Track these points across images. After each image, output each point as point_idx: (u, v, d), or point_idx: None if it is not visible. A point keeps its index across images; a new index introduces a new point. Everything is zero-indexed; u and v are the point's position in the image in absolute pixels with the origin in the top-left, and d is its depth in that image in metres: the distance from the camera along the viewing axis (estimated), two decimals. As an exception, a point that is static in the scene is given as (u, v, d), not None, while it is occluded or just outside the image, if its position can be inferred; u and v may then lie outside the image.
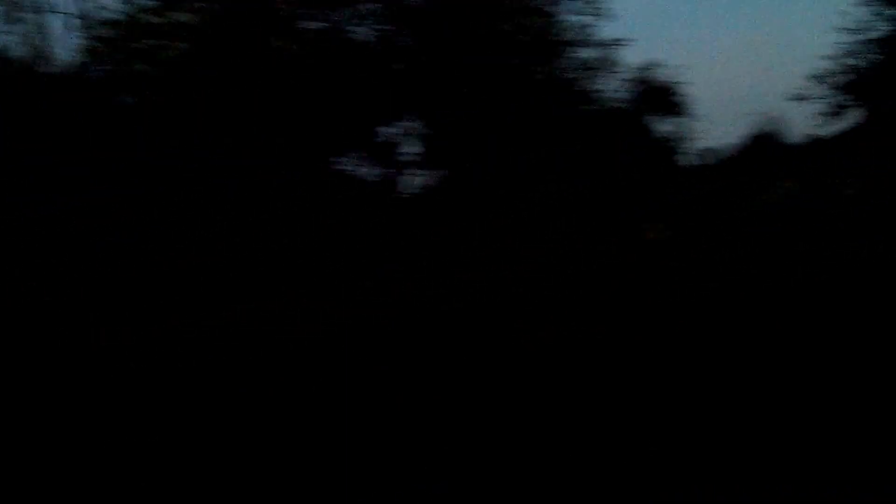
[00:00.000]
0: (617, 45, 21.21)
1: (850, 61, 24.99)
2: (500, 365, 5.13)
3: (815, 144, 27.66)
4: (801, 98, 25.63)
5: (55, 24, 15.33)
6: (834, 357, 4.55)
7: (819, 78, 25.39)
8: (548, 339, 5.70)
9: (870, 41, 24.75)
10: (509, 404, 4.14)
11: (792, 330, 5.51)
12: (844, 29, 24.63)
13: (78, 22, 14.67)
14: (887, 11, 24.13)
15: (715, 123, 50.25)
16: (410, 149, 18.68)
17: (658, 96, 25.23)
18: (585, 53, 20.89)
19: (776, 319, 5.96)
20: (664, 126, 26.39)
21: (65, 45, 15.77)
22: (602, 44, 20.91)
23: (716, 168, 28.80)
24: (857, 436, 3.13)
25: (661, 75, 25.37)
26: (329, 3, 16.70)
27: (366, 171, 18.00)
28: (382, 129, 17.90)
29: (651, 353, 5.05)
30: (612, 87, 22.92)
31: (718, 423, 3.50)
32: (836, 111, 25.67)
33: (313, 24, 16.74)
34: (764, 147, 29.87)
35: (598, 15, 20.29)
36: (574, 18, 20.12)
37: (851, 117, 26.16)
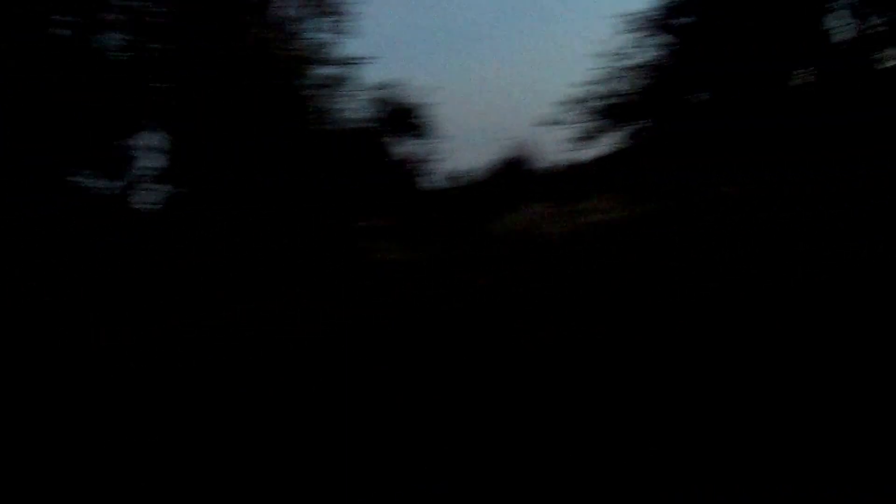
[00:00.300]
0: (358, 62, 21.12)
1: (607, 87, 25.65)
2: (500, 365, 5.13)
3: (569, 169, 28.06)
4: (553, 123, 26.11)
5: None
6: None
7: (573, 103, 25.97)
8: (549, 339, 5.70)
9: (629, 67, 25.47)
10: (509, 404, 4.14)
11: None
12: (603, 55, 25.35)
13: None
14: (648, 39, 24.95)
15: (467, 147, 50.78)
16: (151, 162, 18.48)
17: (401, 116, 24.96)
18: (326, 70, 20.77)
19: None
20: (408, 147, 26.13)
21: None
22: (344, 61, 20.84)
23: (463, 191, 28.75)
24: (856, 436, 3.13)
25: (406, 96, 25.03)
26: (73, 10, 16.40)
27: (103, 184, 17.74)
28: (122, 142, 17.66)
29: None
30: (353, 105, 22.47)
31: (718, 423, 3.50)
32: (590, 136, 26.26)
33: (54, 31, 16.37)
34: (514, 171, 29.81)
35: (341, 32, 20.33)
36: (317, 35, 20.10)
37: (607, 142, 26.77)
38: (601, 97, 25.62)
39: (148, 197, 17.99)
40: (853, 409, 3.44)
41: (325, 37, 20.20)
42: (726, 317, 6.10)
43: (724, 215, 16.80)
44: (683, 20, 24.62)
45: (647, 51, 25.15)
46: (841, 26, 23.50)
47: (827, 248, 9.66)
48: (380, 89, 23.49)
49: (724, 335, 5.41)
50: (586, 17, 59.93)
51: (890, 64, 22.84)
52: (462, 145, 47.06)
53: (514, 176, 28.78)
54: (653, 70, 25.07)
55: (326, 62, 20.55)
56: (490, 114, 53.59)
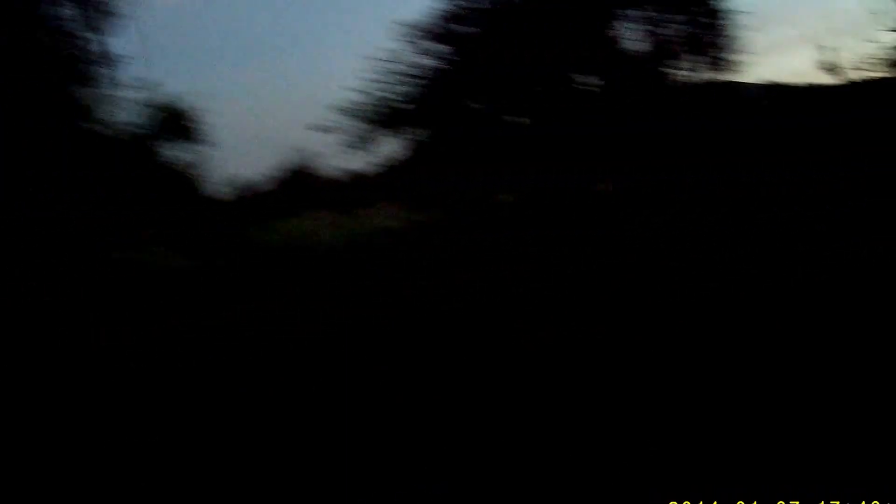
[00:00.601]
0: (129, 64, 20.62)
1: (385, 94, 25.19)
2: (501, 365, 5.13)
3: (348, 177, 27.69)
4: (325, 129, 25.54)
5: None
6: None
7: (350, 111, 25.44)
8: (549, 339, 5.69)
9: (406, 75, 25.04)
10: (509, 404, 4.14)
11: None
12: (381, 62, 24.81)
13: None
14: (424, 45, 24.68)
15: (245, 154, 49.66)
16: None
17: (172, 122, 23.93)
18: (97, 71, 20.16)
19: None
20: (180, 152, 24.67)
21: None
22: (115, 63, 20.31)
23: (240, 198, 27.98)
24: (856, 436, 3.13)
25: (178, 101, 23.74)
26: None
27: None
28: None
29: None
30: (123, 109, 21.87)
31: (718, 423, 3.50)
32: (367, 143, 25.93)
33: None
34: (293, 179, 29.10)
35: (112, 34, 19.98)
36: (88, 35, 19.64)
37: (385, 149, 26.34)
38: (379, 104, 25.30)
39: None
40: (852, 410, 3.43)
41: (96, 37, 19.70)
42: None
43: (499, 222, 16.87)
44: (462, 29, 24.40)
45: (425, 58, 24.80)
46: (631, 37, 23.51)
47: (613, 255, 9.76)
48: (152, 94, 22.60)
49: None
50: (365, 24, 59.20)
51: (679, 75, 22.89)
52: (240, 153, 46.10)
53: (293, 184, 28.14)
54: (431, 78, 24.81)
55: (97, 63, 19.96)
56: (269, 121, 52.89)
